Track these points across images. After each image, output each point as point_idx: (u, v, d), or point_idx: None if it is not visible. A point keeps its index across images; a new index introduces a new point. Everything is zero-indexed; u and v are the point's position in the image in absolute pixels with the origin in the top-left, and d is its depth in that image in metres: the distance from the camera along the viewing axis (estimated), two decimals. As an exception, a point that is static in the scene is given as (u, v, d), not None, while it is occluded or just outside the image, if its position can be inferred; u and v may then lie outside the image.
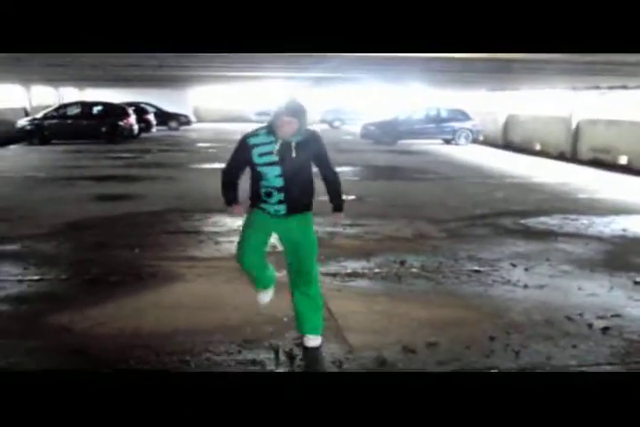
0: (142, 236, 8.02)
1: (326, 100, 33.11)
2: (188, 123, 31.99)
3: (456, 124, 23.48)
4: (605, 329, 4.96)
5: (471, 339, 4.76)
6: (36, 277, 6.17)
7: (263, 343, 4.64)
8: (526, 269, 6.60)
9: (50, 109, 23.06)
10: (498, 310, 5.42)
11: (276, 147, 4.21)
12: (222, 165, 4.54)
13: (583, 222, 9.15)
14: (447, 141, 23.61)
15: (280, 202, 4.31)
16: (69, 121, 22.57)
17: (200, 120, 35.73)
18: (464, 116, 23.64)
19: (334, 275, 6.32)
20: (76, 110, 23.06)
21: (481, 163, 17.73)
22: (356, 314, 5.28)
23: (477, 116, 23.81)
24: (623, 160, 16.92)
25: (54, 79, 21.72)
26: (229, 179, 4.48)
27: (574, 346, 4.64)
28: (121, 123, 22.84)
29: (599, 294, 5.88)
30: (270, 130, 4.24)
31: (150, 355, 4.42)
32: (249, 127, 4.97)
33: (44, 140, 22.08)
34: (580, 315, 5.28)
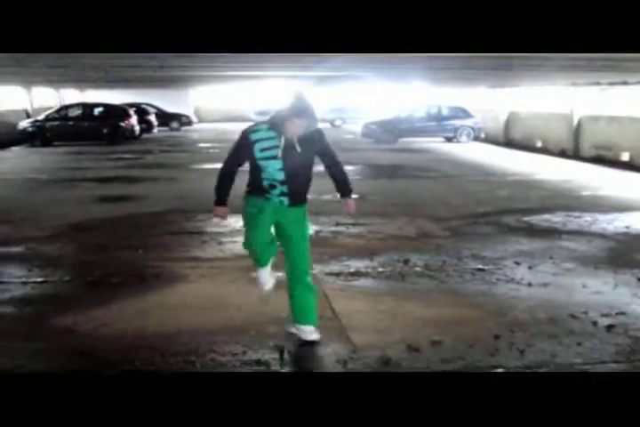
0: (145, 237, 8.02)
1: (328, 98, 33.09)
2: (189, 123, 32.04)
3: (457, 122, 23.45)
4: (610, 327, 4.94)
5: (475, 337, 4.74)
6: (39, 279, 6.17)
7: (268, 343, 4.63)
8: (530, 267, 6.58)
9: (51, 111, 23.11)
10: (502, 308, 5.41)
11: (281, 142, 4.28)
12: (224, 166, 4.55)
13: (586, 220, 9.13)
14: (448, 139, 23.58)
15: (283, 194, 4.39)
16: (71, 122, 22.62)
17: (201, 120, 35.77)
18: (465, 113, 23.61)
19: (338, 274, 6.31)
20: (77, 112, 23.12)
21: (482, 160, 17.71)
22: (360, 313, 5.28)
23: (478, 113, 23.78)
24: (625, 157, 16.88)
25: (55, 81, 21.75)
26: (227, 172, 4.51)
27: (579, 344, 4.63)
28: (122, 124, 22.88)
29: (603, 291, 5.86)
30: (272, 126, 4.30)
31: (155, 356, 4.41)
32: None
33: (46, 142, 22.12)
34: (585, 313, 5.26)
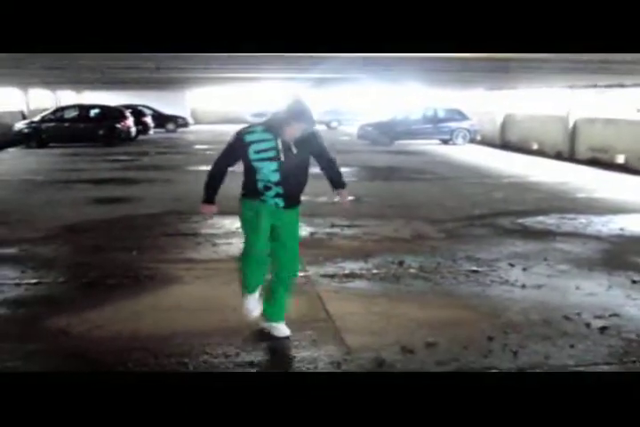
0: (140, 238, 8.01)
1: (324, 100, 33.10)
2: (185, 125, 32.04)
3: (453, 124, 23.47)
4: (603, 329, 4.95)
5: (469, 339, 4.75)
6: (33, 281, 6.16)
7: (261, 345, 4.63)
8: (524, 269, 6.59)
9: (47, 112, 23.06)
10: (496, 310, 5.42)
11: (277, 144, 4.32)
12: (219, 168, 4.56)
13: (581, 222, 9.15)
14: (445, 141, 23.60)
15: (278, 195, 4.42)
16: (67, 124, 22.59)
17: (197, 122, 35.77)
18: (461, 115, 23.63)
19: (332, 276, 6.31)
20: (73, 113, 23.10)
21: (478, 163, 17.73)
22: (354, 315, 5.28)
23: (475, 115, 23.80)
24: (620, 159, 16.90)
25: (52, 82, 21.71)
26: (218, 172, 4.53)
27: (572, 346, 4.64)
28: (118, 125, 22.86)
29: (597, 293, 5.87)
30: (268, 128, 4.33)
31: (149, 357, 4.41)
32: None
33: (42, 144, 22.08)
34: (578, 314, 5.27)
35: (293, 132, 4.28)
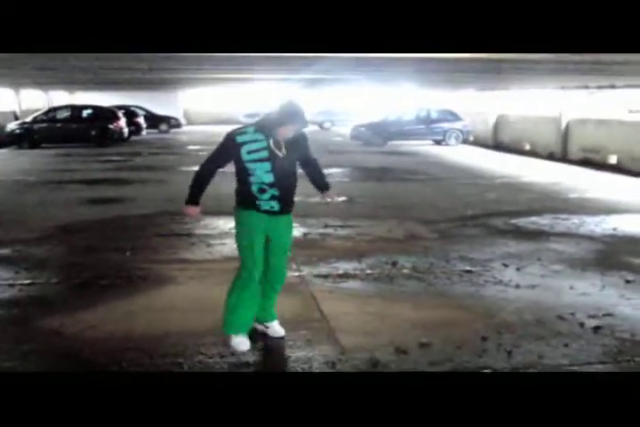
0: (133, 239, 7.99)
1: (316, 101, 33.13)
2: (178, 125, 32.04)
3: (446, 125, 23.49)
4: (597, 328, 4.97)
5: (463, 339, 4.76)
6: (27, 281, 6.14)
7: (255, 345, 4.63)
8: (518, 269, 6.61)
9: (39, 113, 22.99)
10: (490, 310, 5.42)
11: (269, 145, 4.29)
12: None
13: (574, 222, 9.18)
14: (437, 142, 23.63)
15: (273, 197, 4.36)
16: (59, 124, 22.53)
17: (190, 123, 35.76)
18: (454, 116, 23.67)
19: (326, 276, 6.31)
20: (65, 114, 23.04)
21: (471, 163, 17.76)
22: (348, 315, 5.28)
23: (467, 116, 23.84)
24: (613, 160, 16.96)
25: (44, 82, 21.66)
26: (207, 173, 4.46)
27: (566, 345, 4.65)
28: (111, 126, 22.82)
29: (591, 293, 5.89)
30: (260, 128, 4.32)
31: (142, 358, 4.40)
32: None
33: (34, 144, 22.01)
34: (572, 314, 5.29)
35: (286, 132, 4.26)
